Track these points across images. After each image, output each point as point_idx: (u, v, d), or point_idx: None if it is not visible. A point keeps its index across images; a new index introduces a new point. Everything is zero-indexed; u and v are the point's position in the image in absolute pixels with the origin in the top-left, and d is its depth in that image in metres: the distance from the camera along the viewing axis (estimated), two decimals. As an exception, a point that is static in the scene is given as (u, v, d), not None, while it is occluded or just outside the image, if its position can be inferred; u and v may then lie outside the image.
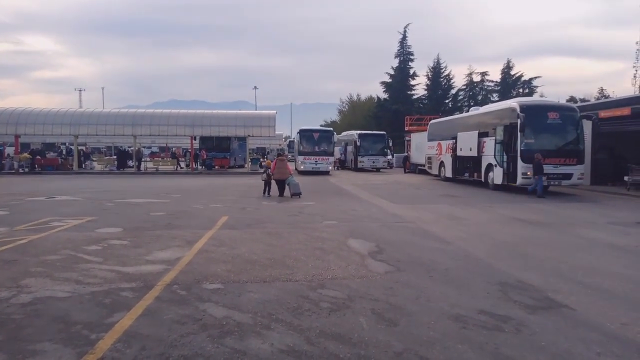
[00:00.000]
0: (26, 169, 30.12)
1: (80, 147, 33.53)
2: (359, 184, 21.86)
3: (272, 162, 16.84)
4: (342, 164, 38.73)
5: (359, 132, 36.57)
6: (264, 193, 15.92)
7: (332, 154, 30.83)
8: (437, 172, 24.73)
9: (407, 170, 33.43)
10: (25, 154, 31.56)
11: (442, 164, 23.91)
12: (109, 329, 4.03)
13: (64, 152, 38.11)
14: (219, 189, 18.43)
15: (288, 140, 59.69)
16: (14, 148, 33.46)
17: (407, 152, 36.24)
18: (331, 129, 33.28)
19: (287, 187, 15.68)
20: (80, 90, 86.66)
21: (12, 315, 4.38)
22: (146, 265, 6.28)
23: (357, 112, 65.13)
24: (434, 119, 29.01)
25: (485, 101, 46.22)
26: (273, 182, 15.91)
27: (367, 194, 17.09)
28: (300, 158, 30.62)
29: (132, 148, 35.47)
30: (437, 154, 24.69)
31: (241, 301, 4.81)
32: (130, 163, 33.64)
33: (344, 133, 43.69)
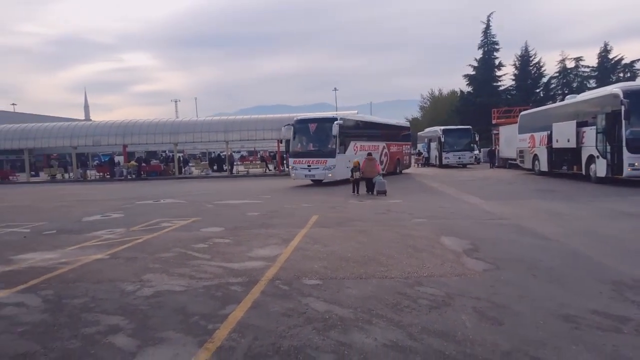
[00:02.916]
0: (133, 176, 33.11)
1: (179, 154, 36.07)
2: (445, 181, 21.33)
3: (359, 162, 17.35)
4: (426, 161, 37.94)
5: (442, 127, 35.59)
6: (353, 191, 16.37)
7: (332, 155, 19.91)
8: (530, 166, 23.38)
9: (494, 165, 31.94)
10: (133, 162, 34.73)
11: (535, 157, 22.56)
12: (224, 320, 4.37)
13: (166, 159, 41.34)
14: (306, 189, 18.92)
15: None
16: (122, 157, 36.93)
17: (494, 146, 34.63)
18: (333, 115, 21.92)
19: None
20: (176, 101, 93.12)
21: (139, 307, 4.90)
22: (249, 261, 6.68)
23: (439, 107, 63.38)
24: (524, 110, 27.43)
25: (582, 89, 42.74)
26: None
27: (455, 190, 16.64)
28: (290, 162, 21.76)
29: (224, 153, 37.53)
30: (529, 147, 23.34)
31: (340, 297, 4.97)
32: (224, 167, 35.66)
33: (426, 129, 42.76)
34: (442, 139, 33.60)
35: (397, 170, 27.31)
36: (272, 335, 3.98)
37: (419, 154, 41.01)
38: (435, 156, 35.50)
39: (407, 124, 32.65)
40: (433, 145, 36.67)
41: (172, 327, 4.26)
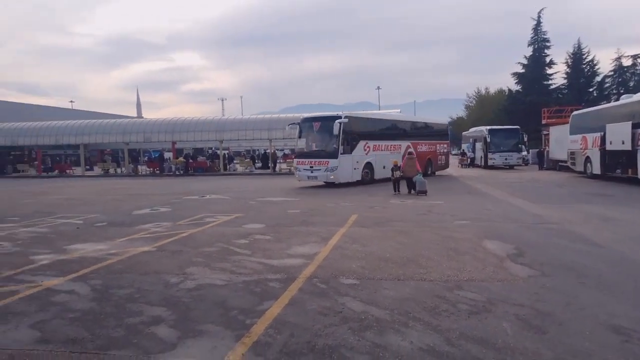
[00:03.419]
0: (181, 171, 34.21)
1: (224, 151, 36.96)
2: (491, 182, 20.74)
3: (399, 161, 17.41)
4: (471, 162, 37.01)
5: (488, 127, 34.56)
6: (394, 191, 16.35)
7: (334, 155, 18.77)
8: (581, 169, 22.33)
9: (543, 167, 30.73)
10: (181, 158, 35.91)
11: (587, 159, 21.53)
12: (261, 316, 4.43)
13: (212, 155, 42.46)
14: (347, 189, 18.89)
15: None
16: (171, 153, 38.27)
17: (543, 147, 33.32)
18: (338, 113, 19.56)
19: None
20: (222, 100, 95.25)
21: (181, 299, 5.06)
22: (288, 258, 6.76)
23: (486, 107, 61.62)
24: (576, 109, 26.20)
25: (639, 88, 40.39)
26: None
27: (500, 192, 16.15)
28: (295, 162, 21.39)
29: (268, 151, 38.10)
30: (581, 149, 22.29)
31: (377, 297, 4.94)
32: (268, 164, 36.22)
33: (472, 129, 41.69)
34: (488, 139, 32.63)
35: (429, 172, 24.74)
36: (308, 333, 4.01)
37: (463, 154, 40.03)
38: (481, 157, 34.53)
39: (443, 122, 30.04)
40: (478, 145, 35.69)
41: (212, 320, 4.37)
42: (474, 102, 70.69)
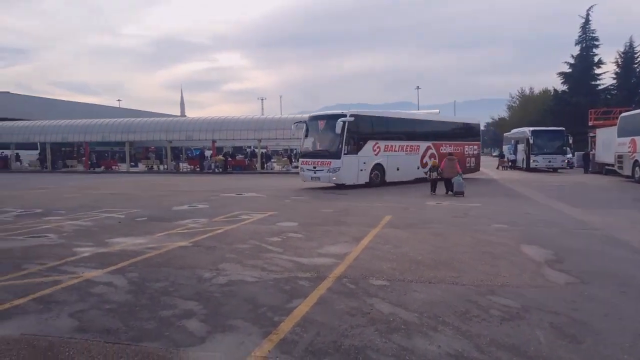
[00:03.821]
0: (220, 169, 34.97)
1: (262, 150, 37.50)
2: (532, 185, 20.08)
3: (437, 161, 17.43)
4: (513, 164, 35.95)
5: (532, 128, 33.44)
6: (431, 191, 16.36)
7: (337, 156, 17.93)
8: (629, 173, 21.28)
9: (589, 170, 29.47)
10: (220, 157, 36.72)
11: (636, 163, 20.50)
12: (289, 314, 4.47)
13: (250, 154, 43.17)
14: (382, 189, 18.75)
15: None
16: (211, 151, 39.20)
17: (590, 150, 31.95)
18: (342, 111, 18.62)
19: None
20: (262, 99, 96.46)
21: (213, 294, 5.17)
22: (319, 257, 6.78)
23: (529, 107, 59.67)
24: (625, 111, 24.97)
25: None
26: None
27: (542, 196, 15.61)
28: (300, 162, 20.53)
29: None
30: (630, 152, 21.23)
31: (407, 300, 4.88)
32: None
33: (514, 130, 40.46)
34: (531, 141, 31.57)
35: None
36: (335, 332, 4.01)
37: (502, 155, 38.93)
38: (523, 159, 33.47)
39: (473, 121, 27.36)
40: (520, 147, 34.61)
41: (241, 316, 4.45)
42: (517, 102, 68.61)
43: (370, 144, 19.18)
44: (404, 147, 20.96)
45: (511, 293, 5.09)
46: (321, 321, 4.27)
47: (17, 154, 43.51)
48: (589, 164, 29.82)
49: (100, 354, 3.64)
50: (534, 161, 31.39)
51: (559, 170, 31.55)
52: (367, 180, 19.08)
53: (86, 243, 8.00)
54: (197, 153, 45.47)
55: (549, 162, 31.23)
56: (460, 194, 15.42)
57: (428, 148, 22.09)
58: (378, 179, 19.47)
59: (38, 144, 42.76)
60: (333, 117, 18.28)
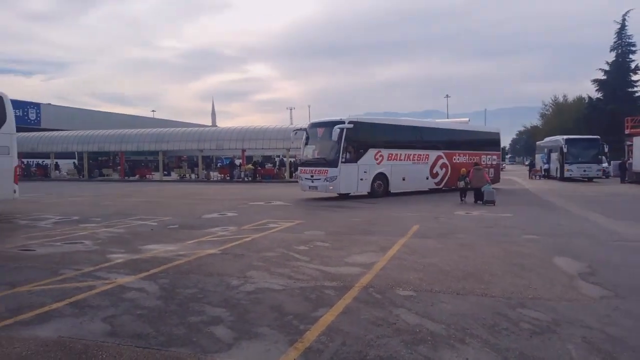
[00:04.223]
0: (250, 178, 35.47)
1: (291, 159, 37.88)
2: (565, 195, 19.54)
3: (468, 170, 17.46)
4: (546, 173, 35.07)
5: (565, 137, 32.59)
6: (461, 199, 16.51)
7: (334, 164, 17.26)
8: (670, 183, 20.44)
9: (625, 180, 28.43)
10: (249, 166, 37.28)
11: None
12: (315, 322, 4.49)
13: (278, 163, 43.64)
14: (410, 197, 18.61)
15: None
16: (241, 160, 39.87)
17: (626, 159, 30.86)
18: (340, 118, 17.90)
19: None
20: (290, 109, 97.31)
21: (240, 301, 5.25)
22: (345, 267, 6.79)
23: (563, 115, 58.25)
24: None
25: None
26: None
27: (575, 206, 15.16)
28: (299, 171, 20.17)
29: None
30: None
31: (434, 311, 4.83)
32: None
33: (547, 139, 39.50)
34: (565, 149, 30.75)
35: (469, 186, 23.32)
36: (360, 342, 4.01)
37: (532, 165, 38.04)
38: (556, 168, 32.62)
39: (493, 129, 26.35)
40: (554, 156, 33.76)
41: (267, 324, 4.50)
42: (551, 110, 67.08)
43: (371, 152, 18.45)
44: (411, 156, 20.10)
45: (542, 306, 4.97)
46: (347, 330, 4.28)
47: (56, 163, 45.27)
48: (625, 174, 28.83)
49: (132, 358, 3.75)
50: (568, 170, 30.56)
51: (594, 180, 30.62)
52: (369, 190, 18.38)
53: (119, 250, 8.25)
54: (228, 162, 46.27)
55: (584, 171, 30.34)
56: (490, 202, 15.37)
57: (439, 157, 21.16)
58: (381, 189, 18.71)
59: (76, 153, 44.38)
60: (331, 124, 17.57)
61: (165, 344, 4.02)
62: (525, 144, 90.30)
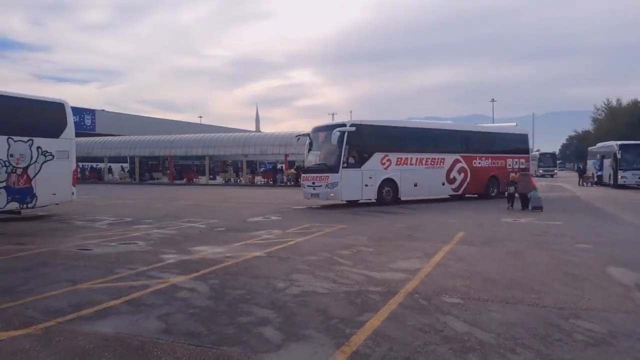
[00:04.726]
0: (292, 182, 35.90)
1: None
2: (619, 203, 18.64)
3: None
4: (598, 180, 33.54)
5: (619, 142, 31.05)
6: (508, 206, 16.27)
7: (335, 169, 16.48)
8: None
9: None
10: (292, 170, 37.77)
11: None
12: (361, 327, 4.52)
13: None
14: (456, 204, 18.28)
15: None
16: (283, 165, 40.51)
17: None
18: (342, 121, 17.48)
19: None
20: (332, 115, 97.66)
21: (287, 303, 5.35)
22: (389, 272, 6.78)
23: (617, 120, 55.52)
24: None
25: None
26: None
27: (630, 215, 14.46)
28: (302, 178, 19.00)
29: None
30: None
31: (482, 319, 4.75)
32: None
33: (599, 144, 37.77)
34: (619, 155, 29.29)
35: (492, 192, 21.12)
36: (407, 348, 4.01)
37: (581, 170, 36.46)
38: (609, 175, 31.13)
39: (520, 130, 24.39)
40: (607, 162, 32.23)
41: (314, 327, 4.57)
42: (603, 114, 64.07)
43: (377, 157, 17.44)
44: (424, 160, 18.83)
45: (596, 317, 4.80)
46: (393, 336, 4.28)
47: (109, 166, 47.47)
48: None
49: (185, 355, 3.91)
50: (622, 177, 29.10)
51: (652, 187, 28.99)
52: (374, 197, 17.41)
53: (171, 250, 8.58)
54: (271, 166, 47.02)
55: (639, 178, 28.82)
56: (538, 208, 15.12)
57: (456, 161, 19.80)
58: (390, 196, 17.66)
59: (128, 157, 46.36)
60: (331, 128, 16.75)
61: (217, 343, 4.16)
62: (576, 150, 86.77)
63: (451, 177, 19.70)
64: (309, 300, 5.46)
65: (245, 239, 9.90)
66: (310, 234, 10.49)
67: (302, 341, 4.21)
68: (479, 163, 20.63)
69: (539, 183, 19.69)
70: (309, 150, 18.22)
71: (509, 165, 21.67)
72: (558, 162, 70.51)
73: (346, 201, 17.65)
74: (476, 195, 21.18)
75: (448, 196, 20.31)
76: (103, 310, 5.11)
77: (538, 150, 67.31)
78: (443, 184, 19.53)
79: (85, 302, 5.39)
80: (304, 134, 19.12)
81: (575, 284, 6.10)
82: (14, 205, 13.37)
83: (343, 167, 16.41)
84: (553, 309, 5.08)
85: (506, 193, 17.31)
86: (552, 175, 53.03)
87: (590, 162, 37.93)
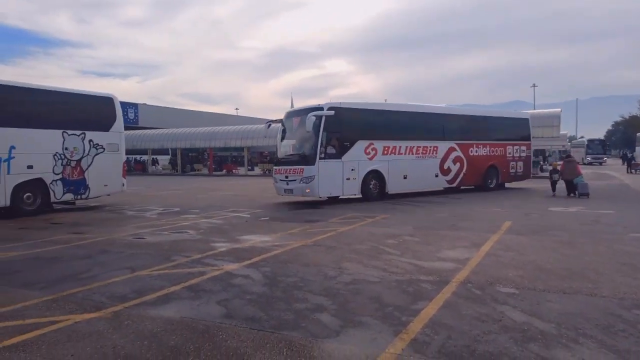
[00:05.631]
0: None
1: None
2: (678, 191, 17.75)
3: (559, 164, 17.27)
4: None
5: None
6: (553, 193, 16.56)
7: (311, 161, 14.14)
8: None
9: None
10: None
11: None
12: (416, 315, 4.56)
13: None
14: (500, 193, 17.90)
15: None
16: None
17: None
18: (318, 104, 14.74)
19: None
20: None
21: (340, 291, 5.44)
22: (438, 262, 6.76)
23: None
24: None
25: None
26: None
27: (691, 204, 13.76)
28: (273, 171, 16.19)
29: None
30: None
31: (541, 309, 4.69)
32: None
33: (648, 130, 35.99)
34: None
35: (491, 183, 19.28)
36: (466, 337, 4.02)
37: (629, 158, 34.91)
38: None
39: (521, 115, 22.34)
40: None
41: (369, 314, 4.63)
42: (655, 97, 60.81)
43: (360, 145, 15.15)
44: (414, 149, 16.61)
45: (662, 309, 4.65)
46: (450, 324, 4.29)
47: (153, 158, 48.98)
48: None
49: (249, 339, 4.06)
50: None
51: None
52: (359, 192, 15.30)
53: (220, 239, 8.84)
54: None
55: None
56: (584, 195, 15.07)
57: (451, 150, 17.70)
58: (377, 189, 15.64)
59: (169, 149, 47.65)
60: (305, 112, 14.37)
61: (277, 328, 4.29)
62: (623, 136, 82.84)
63: (445, 167, 17.58)
64: (361, 288, 5.53)
65: (290, 228, 10.06)
66: (353, 224, 10.55)
67: (360, 327, 4.28)
68: (476, 151, 18.67)
69: (584, 171, 19.01)
70: (282, 138, 15.82)
71: (509, 154, 19.99)
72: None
73: (327, 198, 15.60)
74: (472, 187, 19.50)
75: (441, 189, 18.37)
76: (165, 295, 5.35)
77: (582, 137, 64.75)
78: (436, 175, 17.39)
79: (147, 288, 5.65)
80: (276, 120, 16.96)
81: (634, 274, 5.91)
82: (69, 196, 14.04)
83: (320, 158, 14.11)
84: (613, 299, 4.96)
85: (550, 180, 17.34)
86: (600, 163, 51.08)
87: (639, 149, 36.26)
